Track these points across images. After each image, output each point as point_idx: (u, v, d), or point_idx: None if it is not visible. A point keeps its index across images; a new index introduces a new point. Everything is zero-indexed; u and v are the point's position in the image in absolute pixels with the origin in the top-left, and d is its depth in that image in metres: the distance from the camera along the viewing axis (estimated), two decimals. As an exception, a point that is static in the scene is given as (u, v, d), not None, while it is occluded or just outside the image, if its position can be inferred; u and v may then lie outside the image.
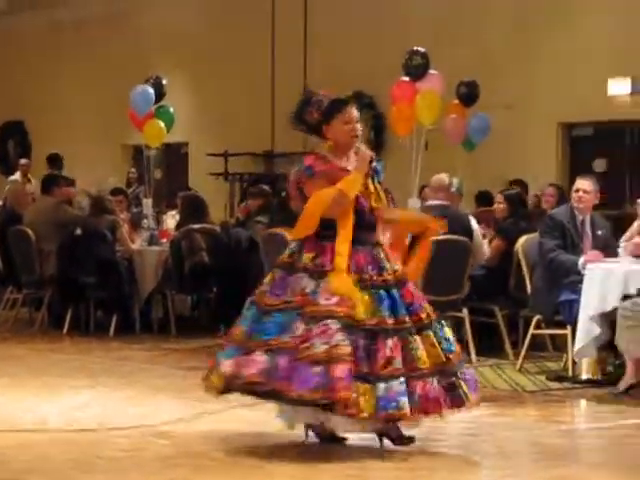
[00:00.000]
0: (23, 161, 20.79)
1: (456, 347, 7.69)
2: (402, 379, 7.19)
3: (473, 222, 13.08)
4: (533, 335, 12.01)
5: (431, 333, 7.44)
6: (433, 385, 7.31)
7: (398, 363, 7.19)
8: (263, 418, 9.02)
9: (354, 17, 19.47)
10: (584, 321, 10.98)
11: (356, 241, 7.29)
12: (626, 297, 10.70)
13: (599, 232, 11.71)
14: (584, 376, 11.28)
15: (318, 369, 6.98)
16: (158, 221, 16.09)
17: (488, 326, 13.33)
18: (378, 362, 7.18)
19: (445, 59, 15.39)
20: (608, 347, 11.15)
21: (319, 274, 7.26)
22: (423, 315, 7.49)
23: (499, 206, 13.63)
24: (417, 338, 7.35)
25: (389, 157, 18.84)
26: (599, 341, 11.01)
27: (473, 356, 12.44)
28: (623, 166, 17.85)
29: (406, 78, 14.52)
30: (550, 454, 8.45)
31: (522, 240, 12.47)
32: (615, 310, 10.72)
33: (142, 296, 14.98)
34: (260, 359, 7.16)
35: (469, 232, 12.82)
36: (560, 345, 12.06)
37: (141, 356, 13.09)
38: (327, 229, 7.32)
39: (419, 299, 7.60)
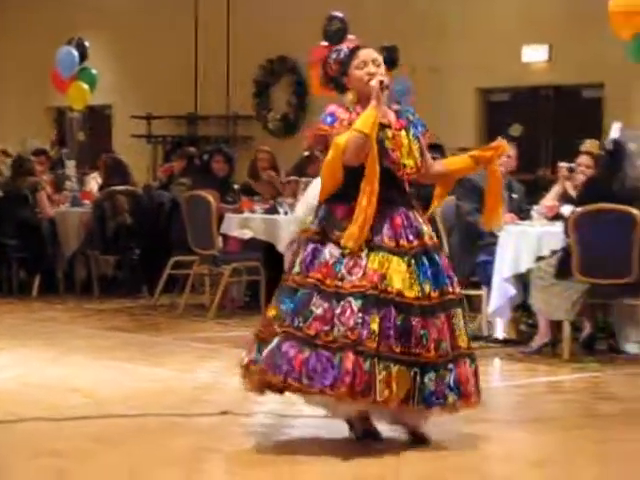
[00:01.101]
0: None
1: None
2: (451, 365, 6.49)
3: None
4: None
5: (460, 311, 6.70)
6: (466, 367, 6.62)
7: (446, 347, 6.46)
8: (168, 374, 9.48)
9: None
10: (499, 282, 11.11)
11: (387, 200, 6.50)
12: (540, 258, 10.89)
13: (514, 196, 11.79)
14: (498, 335, 11.39)
15: (336, 360, 6.28)
16: (81, 183, 16.04)
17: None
18: (422, 345, 6.36)
19: (369, 23, 15.36)
20: (522, 307, 11.32)
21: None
22: (458, 289, 6.74)
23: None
24: (459, 311, 6.67)
25: (312, 119, 18.98)
26: (513, 301, 11.17)
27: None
28: (538, 131, 17.81)
29: (325, 43, 14.53)
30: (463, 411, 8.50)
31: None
32: (529, 271, 10.88)
33: (65, 257, 15.02)
34: (293, 351, 6.36)
35: None
36: (475, 305, 12.13)
37: (64, 317, 13.04)
38: (356, 187, 6.46)
39: (451, 269, 6.78)
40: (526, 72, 17.22)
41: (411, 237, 6.50)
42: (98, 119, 21.43)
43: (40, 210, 14.82)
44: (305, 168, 14.94)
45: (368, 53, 6.71)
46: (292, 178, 14.85)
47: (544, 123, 17.75)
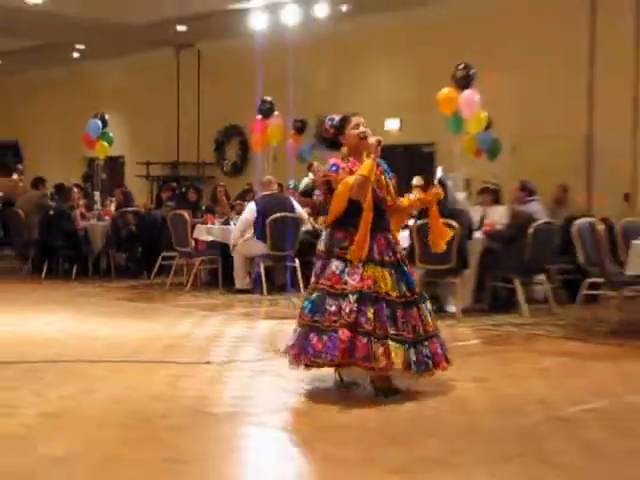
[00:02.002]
0: (19, 167, 20.71)
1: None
2: (426, 343, 6.25)
3: (296, 204, 12.92)
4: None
5: (424, 305, 6.38)
6: (436, 344, 6.36)
7: (419, 329, 6.22)
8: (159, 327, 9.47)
9: (238, 76, 19.35)
10: None
11: (375, 226, 6.19)
12: None
13: None
14: None
15: (344, 336, 6.02)
16: (103, 205, 16.05)
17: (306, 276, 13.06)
18: (404, 329, 6.14)
19: (286, 103, 15.43)
20: None
21: (346, 257, 6.19)
22: (418, 289, 6.45)
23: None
24: (424, 306, 6.37)
25: (251, 166, 19.10)
26: None
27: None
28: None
29: (259, 117, 14.71)
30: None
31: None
32: None
33: (93, 253, 14.99)
34: (315, 339, 6.13)
35: (293, 209, 12.75)
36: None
37: (91, 292, 12.95)
38: (351, 217, 6.20)
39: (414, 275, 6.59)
40: (387, 135, 17.11)
41: (390, 253, 6.31)
42: (114, 165, 21.20)
43: (76, 223, 14.90)
44: (246, 196, 15.19)
45: (357, 118, 6.49)
46: (237, 202, 14.94)
47: (397, 170, 17.40)
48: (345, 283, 6.14)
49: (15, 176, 19.34)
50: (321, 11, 16.03)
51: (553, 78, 14.92)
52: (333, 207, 6.32)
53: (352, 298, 6.07)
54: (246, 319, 10.46)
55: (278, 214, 12.35)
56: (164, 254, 13.96)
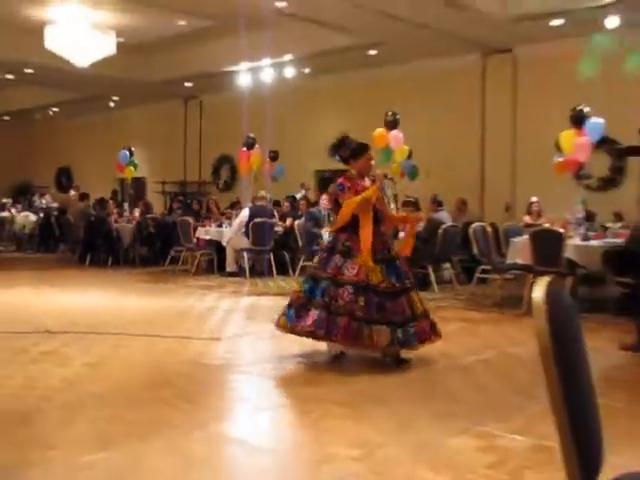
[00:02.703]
0: (75, 185, 20.97)
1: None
2: (412, 324, 5.82)
3: (275, 212, 12.97)
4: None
5: (414, 292, 5.96)
6: (424, 323, 5.94)
7: (406, 313, 5.80)
8: (171, 303, 9.27)
9: (230, 119, 19.31)
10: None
11: (375, 232, 5.85)
12: None
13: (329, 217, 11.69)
14: None
15: (339, 320, 5.66)
16: (131, 212, 15.98)
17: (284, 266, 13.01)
18: (393, 313, 5.76)
19: (264, 139, 15.34)
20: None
21: (348, 254, 5.80)
22: (410, 280, 6.02)
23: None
24: (412, 293, 5.93)
25: (238, 185, 18.99)
26: None
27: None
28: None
29: (245, 149, 14.65)
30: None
31: (297, 222, 12.38)
32: None
33: (123, 248, 14.84)
34: (314, 314, 5.72)
35: (272, 216, 12.76)
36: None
37: (122, 276, 12.84)
38: (353, 225, 5.84)
39: (407, 268, 6.10)
40: (337, 164, 17.24)
41: (386, 252, 5.91)
42: (139, 184, 21.10)
43: (111, 226, 14.85)
44: (234, 207, 15.16)
45: (371, 152, 6.13)
46: (228, 211, 14.86)
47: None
48: (343, 274, 5.75)
49: (72, 192, 19.34)
50: (289, 73, 16.12)
51: (456, 124, 15.01)
52: (340, 218, 5.94)
53: (349, 289, 5.69)
54: (234, 295, 10.43)
55: (259, 219, 12.34)
56: (175, 248, 13.90)
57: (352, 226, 5.88)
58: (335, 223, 6.12)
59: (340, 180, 6.04)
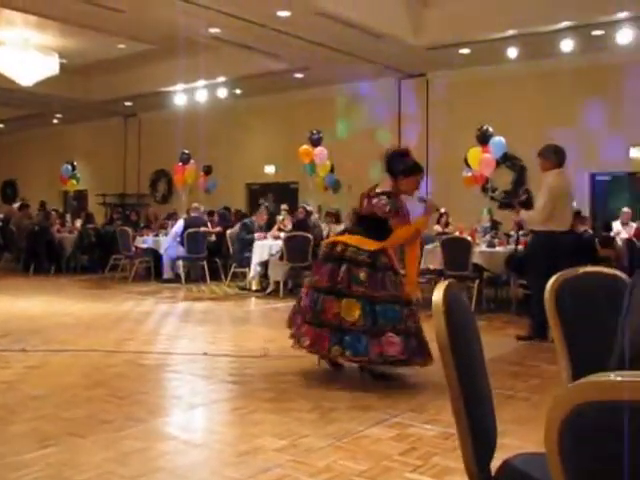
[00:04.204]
0: (20, 198, 20.40)
1: None
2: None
3: (208, 222, 12.86)
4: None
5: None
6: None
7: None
8: (110, 307, 9.07)
9: (166, 136, 19.02)
10: (254, 264, 10.91)
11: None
12: (271, 255, 10.71)
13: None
14: (253, 288, 11.09)
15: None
16: (72, 223, 15.65)
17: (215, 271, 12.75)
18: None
19: (199, 154, 15.26)
20: (264, 275, 11.00)
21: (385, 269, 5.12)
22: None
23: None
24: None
25: (175, 197, 18.73)
26: (260, 273, 11.01)
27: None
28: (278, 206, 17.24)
29: (180, 163, 14.54)
30: (240, 319, 8.44)
31: (228, 231, 12.30)
32: (268, 260, 10.77)
33: (66, 256, 14.52)
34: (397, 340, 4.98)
35: (205, 226, 12.60)
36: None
37: (64, 283, 12.55)
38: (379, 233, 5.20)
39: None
40: (266, 176, 17.15)
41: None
42: (81, 196, 20.76)
43: (53, 235, 14.49)
44: (171, 217, 14.95)
45: (419, 176, 5.32)
46: (165, 221, 14.68)
47: (271, 202, 16.05)
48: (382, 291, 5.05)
49: (16, 205, 18.85)
50: (222, 93, 16.03)
51: (374, 142, 15.07)
52: (391, 241, 5.22)
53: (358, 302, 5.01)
54: (170, 300, 10.30)
55: (193, 229, 12.22)
56: (114, 256, 13.68)
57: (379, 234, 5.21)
58: (389, 242, 5.25)
59: (384, 200, 5.20)
